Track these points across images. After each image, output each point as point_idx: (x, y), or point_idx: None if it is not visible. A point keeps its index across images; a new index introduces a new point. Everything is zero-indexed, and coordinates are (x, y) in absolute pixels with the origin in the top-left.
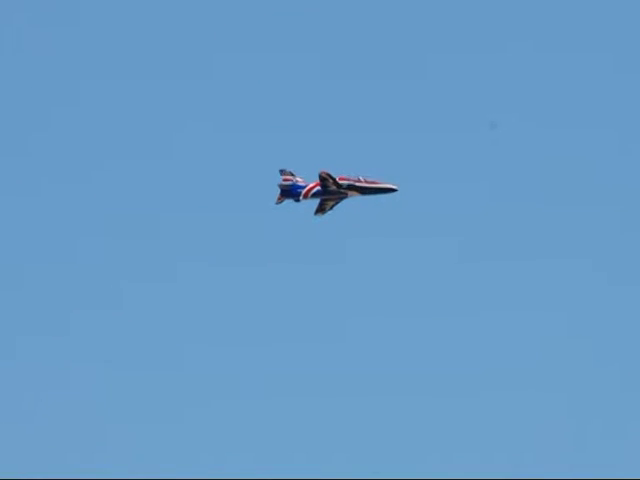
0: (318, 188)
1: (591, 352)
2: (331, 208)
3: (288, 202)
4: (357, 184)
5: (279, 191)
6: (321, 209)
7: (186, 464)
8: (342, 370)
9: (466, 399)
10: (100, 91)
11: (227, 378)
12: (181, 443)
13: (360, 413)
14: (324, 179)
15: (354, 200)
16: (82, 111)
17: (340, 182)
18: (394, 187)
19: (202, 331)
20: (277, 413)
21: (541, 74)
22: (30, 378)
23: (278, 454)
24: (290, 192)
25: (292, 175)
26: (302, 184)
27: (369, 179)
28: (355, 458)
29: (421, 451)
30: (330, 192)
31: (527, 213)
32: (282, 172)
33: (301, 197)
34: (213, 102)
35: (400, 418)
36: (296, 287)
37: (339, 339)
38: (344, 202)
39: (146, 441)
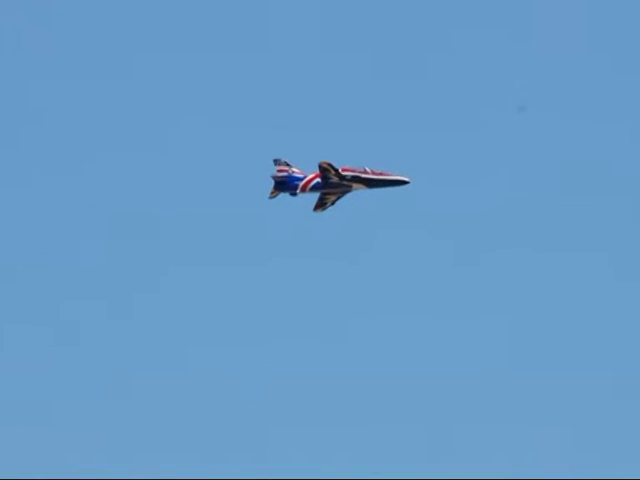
0: (318, 180)
1: (598, 350)
2: (333, 203)
3: (283, 196)
4: (363, 175)
5: (273, 183)
6: (321, 204)
7: (184, 465)
8: (340, 370)
9: (469, 399)
10: (94, 86)
11: (226, 378)
12: (180, 443)
13: (359, 413)
14: (325, 170)
15: (359, 194)
16: (74, 105)
17: (343, 173)
18: (405, 179)
19: (191, 331)
20: (276, 414)
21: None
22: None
23: (277, 454)
24: (286, 185)
25: (288, 165)
26: (299, 175)
27: (376, 170)
28: (355, 458)
29: (421, 452)
30: (331, 185)
31: (537, 210)
32: (276, 162)
33: (298, 190)
34: (201, 90)
35: (396, 419)
36: (292, 289)
37: (336, 340)
38: (347, 196)
39: (143, 441)
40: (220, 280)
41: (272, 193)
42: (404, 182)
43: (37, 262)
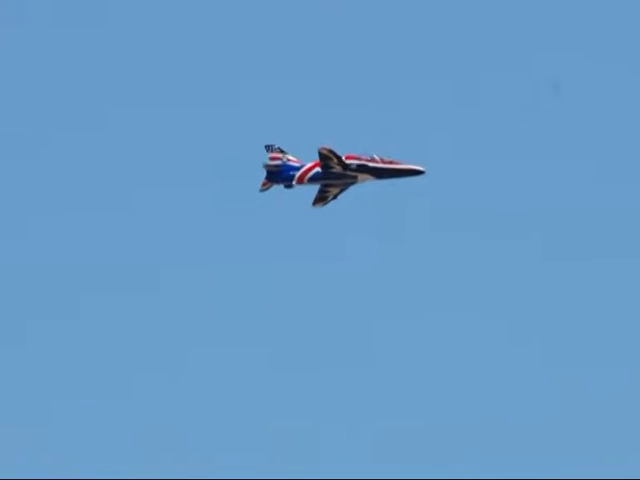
0: (317, 170)
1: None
2: (335, 197)
3: (277, 188)
4: (370, 164)
5: (264, 173)
6: (321, 198)
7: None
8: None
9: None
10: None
11: (216, 379)
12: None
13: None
14: (325, 157)
15: (366, 186)
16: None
17: (347, 162)
18: (420, 169)
19: (175, 332)
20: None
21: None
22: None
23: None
24: (280, 175)
25: (282, 152)
26: (296, 164)
27: (386, 158)
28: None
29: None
30: (334, 175)
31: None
32: (269, 148)
33: (294, 182)
34: (185, 73)
35: (406, 418)
36: (287, 293)
37: (330, 348)
38: (352, 189)
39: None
40: (206, 281)
41: (264, 185)
42: (418, 172)
43: (31, 261)
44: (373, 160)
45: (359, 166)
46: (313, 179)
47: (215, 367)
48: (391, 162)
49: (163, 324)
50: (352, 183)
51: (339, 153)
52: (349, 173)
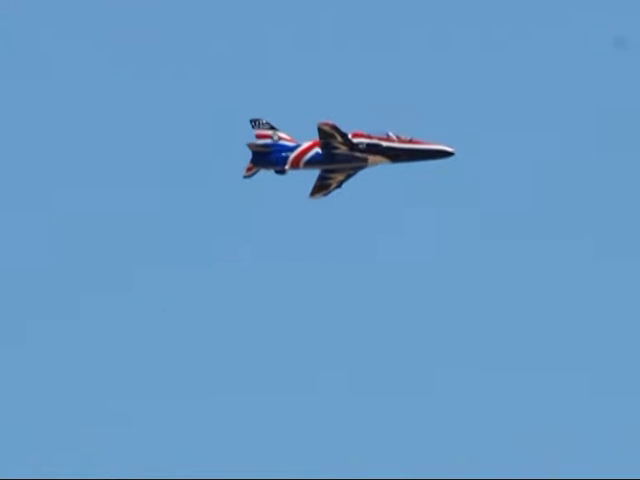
0: (317, 150)
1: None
2: (339, 185)
3: (265, 174)
4: (384, 144)
5: (250, 155)
6: (322, 187)
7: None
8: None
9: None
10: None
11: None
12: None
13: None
14: (327, 135)
15: (378, 171)
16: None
17: (354, 140)
18: (447, 149)
19: (150, 341)
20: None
21: None
22: None
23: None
24: (269, 157)
25: (272, 129)
26: (289, 143)
27: (404, 136)
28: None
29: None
30: (337, 157)
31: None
32: (255, 123)
33: (288, 166)
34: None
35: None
36: (280, 297)
37: (330, 350)
38: (361, 175)
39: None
40: (183, 284)
41: (249, 169)
42: (446, 153)
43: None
44: (388, 139)
45: (370, 146)
46: (311, 162)
47: (213, 366)
48: (410, 141)
49: (150, 326)
50: (361, 168)
51: (344, 130)
52: (357, 155)
